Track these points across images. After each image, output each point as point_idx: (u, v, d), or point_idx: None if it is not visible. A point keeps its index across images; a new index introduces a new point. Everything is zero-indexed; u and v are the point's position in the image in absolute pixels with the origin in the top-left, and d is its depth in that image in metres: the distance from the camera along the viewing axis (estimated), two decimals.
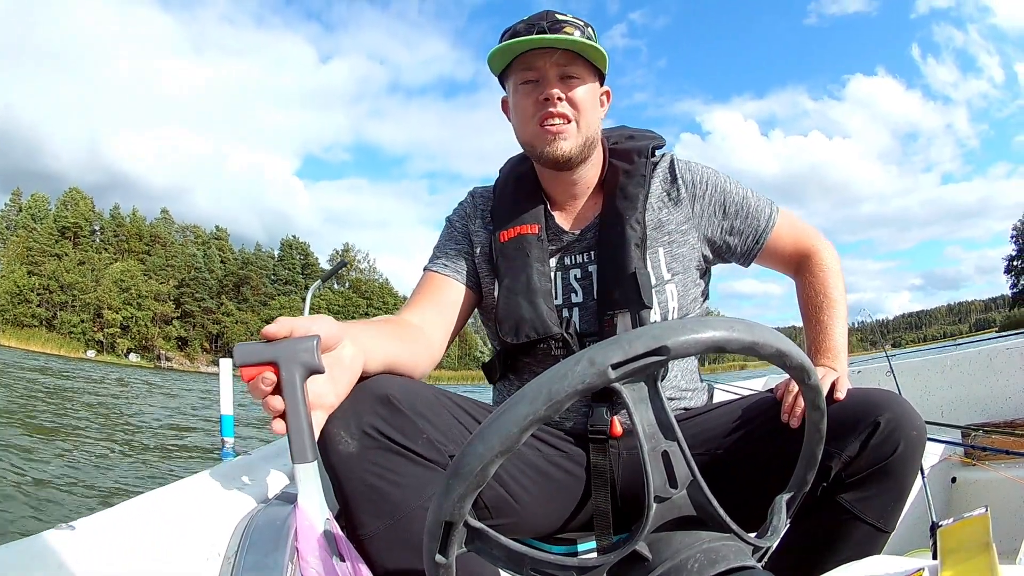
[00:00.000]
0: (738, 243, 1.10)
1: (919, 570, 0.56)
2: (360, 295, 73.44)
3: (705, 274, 1.12)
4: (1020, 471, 1.75)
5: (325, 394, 0.72)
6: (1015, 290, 74.18)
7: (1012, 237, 73.58)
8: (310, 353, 0.66)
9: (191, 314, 68.87)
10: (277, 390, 0.66)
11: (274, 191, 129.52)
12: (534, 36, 0.97)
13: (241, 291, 71.34)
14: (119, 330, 64.02)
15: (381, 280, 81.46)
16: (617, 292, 0.99)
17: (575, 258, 1.07)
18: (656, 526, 0.47)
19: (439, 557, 0.46)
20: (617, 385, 0.45)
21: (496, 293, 1.05)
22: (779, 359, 0.49)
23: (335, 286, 76.48)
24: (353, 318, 1.18)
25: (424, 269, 1.11)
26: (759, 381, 2.74)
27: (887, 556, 0.67)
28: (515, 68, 1.02)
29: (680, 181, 1.08)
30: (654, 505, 0.47)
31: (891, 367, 2.25)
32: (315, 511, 0.65)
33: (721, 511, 0.48)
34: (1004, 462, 1.84)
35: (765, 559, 0.54)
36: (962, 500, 1.89)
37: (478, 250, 1.10)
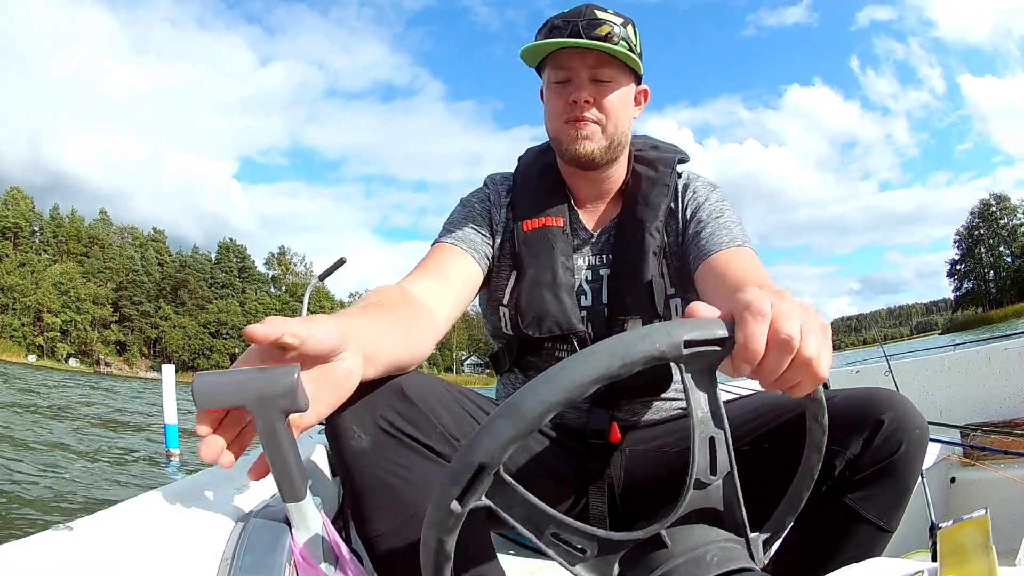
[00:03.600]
0: (691, 245, 1.04)
1: (918, 572, 0.60)
2: (296, 299, 72.18)
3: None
4: (1019, 471, 1.81)
5: (304, 414, 0.64)
6: (958, 293, 77.44)
7: (955, 242, 76.83)
8: (290, 393, 0.55)
9: (129, 318, 67.77)
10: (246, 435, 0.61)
11: (212, 194, 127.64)
12: (565, 39, 0.98)
13: (179, 295, 70.45)
14: (59, 334, 62.64)
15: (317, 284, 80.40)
16: (629, 298, 1.02)
17: (588, 259, 1.09)
18: (684, 513, 0.50)
19: (455, 504, 0.45)
20: (681, 365, 0.48)
21: (512, 283, 1.06)
22: None
23: (271, 289, 76.34)
24: None
25: (432, 243, 1.08)
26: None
27: (886, 558, 0.71)
28: (549, 64, 1.04)
29: (689, 198, 1.09)
30: (691, 490, 0.50)
31: (889, 367, 2.32)
32: (314, 527, 0.66)
33: (743, 512, 0.52)
34: (1003, 462, 1.90)
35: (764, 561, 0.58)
36: (961, 500, 1.96)
37: (497, 237, 1.10)
